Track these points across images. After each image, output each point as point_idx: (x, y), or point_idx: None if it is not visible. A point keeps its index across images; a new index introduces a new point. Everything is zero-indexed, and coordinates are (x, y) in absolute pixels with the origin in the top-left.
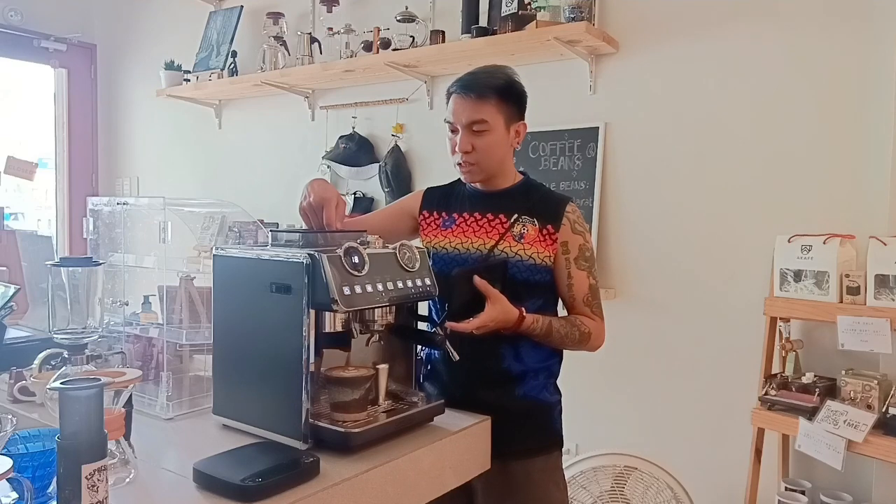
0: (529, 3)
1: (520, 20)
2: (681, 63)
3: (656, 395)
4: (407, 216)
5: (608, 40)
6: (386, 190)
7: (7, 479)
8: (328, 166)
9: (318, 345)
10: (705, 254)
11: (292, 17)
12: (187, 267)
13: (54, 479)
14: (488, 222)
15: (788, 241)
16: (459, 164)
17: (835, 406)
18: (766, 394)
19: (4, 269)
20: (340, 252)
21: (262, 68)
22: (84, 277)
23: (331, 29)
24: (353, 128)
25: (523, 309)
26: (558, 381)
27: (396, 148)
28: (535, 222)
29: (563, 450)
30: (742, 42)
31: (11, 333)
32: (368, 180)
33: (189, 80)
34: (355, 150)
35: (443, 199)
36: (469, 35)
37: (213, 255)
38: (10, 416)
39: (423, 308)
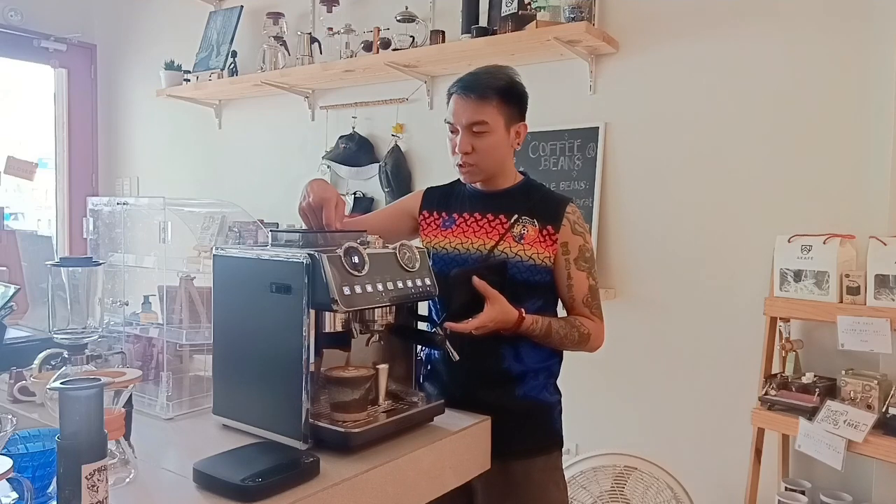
0: (529, 3)
1: (520, 20)
2: (681, 63)
3: (656, 395)
4: (407, 216)
5: (608, 40)
6: (386, 190)
7: (7, 479)
8: (328, 166)
9: (318, 345)
10: (705, 254)
11: (292, 17)
12: (187, 267)
13: (54, 479)
14: (488, 223)
15: (788, 241)
16: (459, 165)
17: (835, 406)
18: (766, 394)
19: (4, 269)
20: (340, 252)
21: (262, 68)
22: (84, 277)
23: (331, 29)
24: (353, 128)
25: (523, 310)
26: (558, 381)
27: (396, 148)
28: (536, 223)
29: (563, 450)
30: (742, 42)
31: (11, 333)
32: (368, 180)
33: (189, 80)
34: (355, 150)
35: (443, 200)
36: (469, 35)
37: (213, 255)
38: (10, 416)
39: (423, 308)
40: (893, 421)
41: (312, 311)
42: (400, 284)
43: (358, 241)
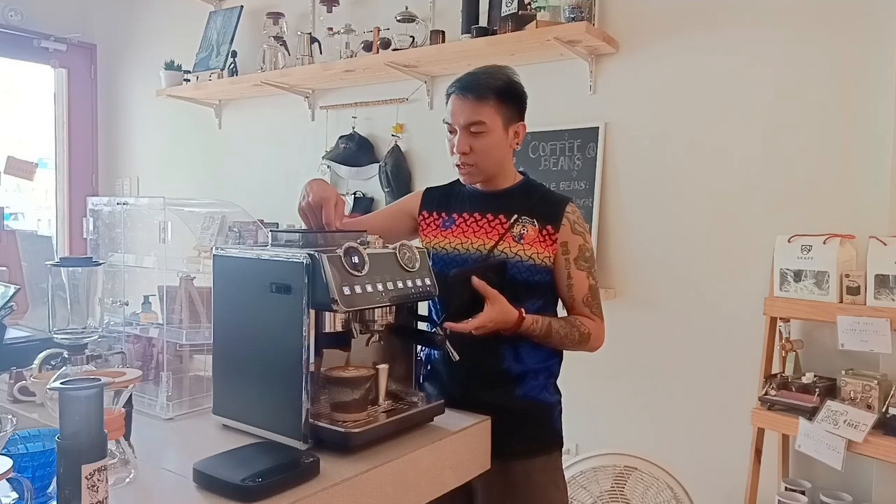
0: (529, 3)
1: (520, 20)
2: (681, 63)
3: (656, 395)
4: (407, 216)
5: (608, 40)
6: (386, 190)
7: (7, 479)
8: (328, 166)
9: (318, 345)
10: (705, 254)
11: (292, 17)
12: (187, 267)
13: (54, 479)
14: (488, 223)
15: (788, 241)
16: (458, 166)
17: (835, 406)
18: (766, 394)
19: (4, 269)
20: (340, 252)
21: (262, 68)
22: (84, 277)
23: (331, 29)
24: (353, 128)
25: (523, 310)
26: (558, 381)
27: (396, 148)
28: (535, 223)
29: (563, 450)
30: (742, 42)
31: (11, 333)
32: (368, 180)
33: (189, 80)
34: (355, 150)
35: (442, 200)
36: (469, 35)
37: (213, 255)
38: (10, 416)
39: (423, 308)
40: (893, 421)
41: (312, 311)
42: (400, 284)
43: (358, 241)
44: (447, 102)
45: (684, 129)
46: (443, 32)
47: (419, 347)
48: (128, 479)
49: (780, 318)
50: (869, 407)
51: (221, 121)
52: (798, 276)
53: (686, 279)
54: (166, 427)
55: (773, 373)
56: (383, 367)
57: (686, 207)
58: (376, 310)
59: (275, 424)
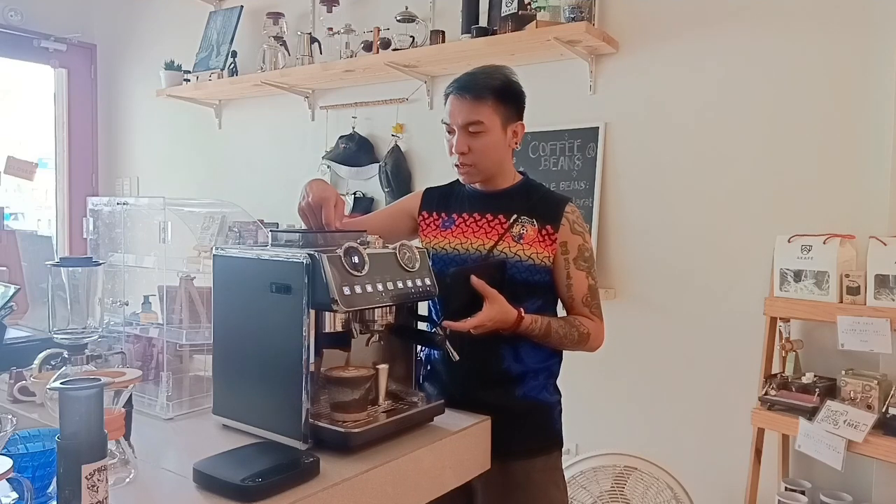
0: (529, 3)
1: (520, 20)
2: (681, 63)
3: (656, 396)
4: (406, 216)
5: (608, 40)
6: (386, 190)
7: (7, 479)
8: (328, 166)
9: (318, 345)
10: (705, 254)
11: (292, 17)
12: (187, 267)
13: (54, 479)
14: (488, 223)
15: (788, 241)
16: (457, 165)
17: (835, 406)
18: (766, 394)
19: (4, 269)
20: (340, 252)
21: (262, 68)
22: (84, 277)
23: (331, 29)
24: (353, 128)
25: (522, 309)
26: (558, 381)
27: (396, 148)
28: (535, 223)
29: (563, 450)
30: (742, 42)
31: (11, 333)
32: (368, 180)
33: (189, 80)
34: (355, 150)
35: (442, 200)
36: (469, 35)
37: (213, 255)
38: (10, 416)
39: (423, 308)
40: (893, 421)
41: (312, 311)
42: (400, 284)
43: (358, 241)
44: (446, 103)
45: (684, 129)
46: (443, 32)
47: (419, 347)
48: (128, 479)
49: (780, 318)
50: (869, 407)
51: (221, 121)
52: (798, 276)
53: (686, 279)
54: (166, 427)
55: (773, 373)
56: (383, 367)
57: (686, 207)
58: (376, 310)
59: (275, 424)
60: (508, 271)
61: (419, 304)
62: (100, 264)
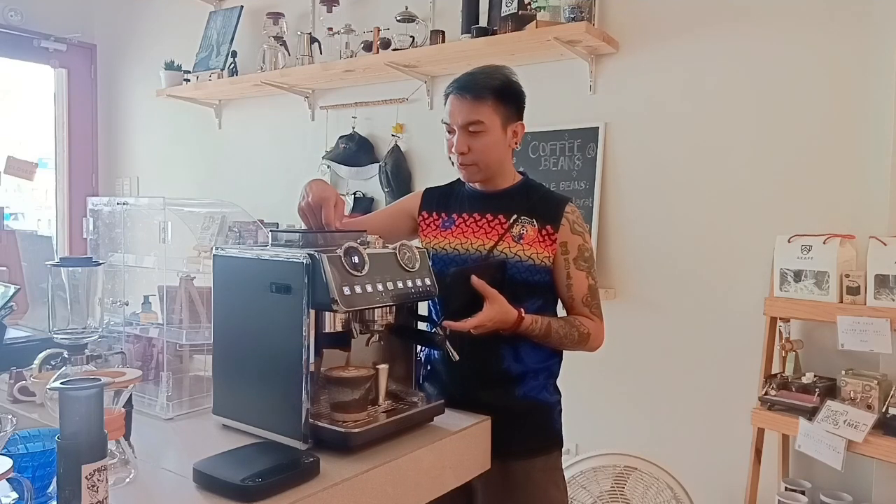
0: (529, 3)
1: (520, 20)
2: (681, 63)
3: (656, 396)
4: (406, 216)
5: (608, 40)
6: (386, 190)
7: (7, 479)
8: (328, 166)
9: (318, 345)
10: (705, 254)
11: (292, 17)
12: (187, 267)
13: (54, 479)
14: (487, 223)
15: (788, 241)
16: (458, 164)
17: (835, 406)
18: (766, 394)
19: (4, 269)
20: (340, 252)
21: (262, 68)
22: (84, 277)
23: (331, 29)
24: (353, 128)
25: (522, 310)
26: (558, 381)
27: (396, 148)
28: (535, 223)
29: (563, 450)
30: (742, 42)
31: (11, 333)
32: (368, 180)
33: (189, 80)
34: (355, 150)
35: (442, 200)
36: (469, 35)
37: (213, 255)
38: (10, 416)
39: (423, 308)
40: (893, 421)
41: (312, 311)
42: (400, 284)
43: (358, 241)
44: (446, 102)
45: (684, 128)
46: (443, 32)
47: (419, 347)
48: (128, 479)
49: (780, 318)
50: (869, 407)
51: (221, 121)
52: (798, 276)
53: (686, 279)
54: (166, 427)
55: (773, 373)
56: (383, 367)
57: (686, 207)
58: (376, 310)
59: (275, 424)
60: (508, 271)
61: (419, 304)
62: (100, 264)
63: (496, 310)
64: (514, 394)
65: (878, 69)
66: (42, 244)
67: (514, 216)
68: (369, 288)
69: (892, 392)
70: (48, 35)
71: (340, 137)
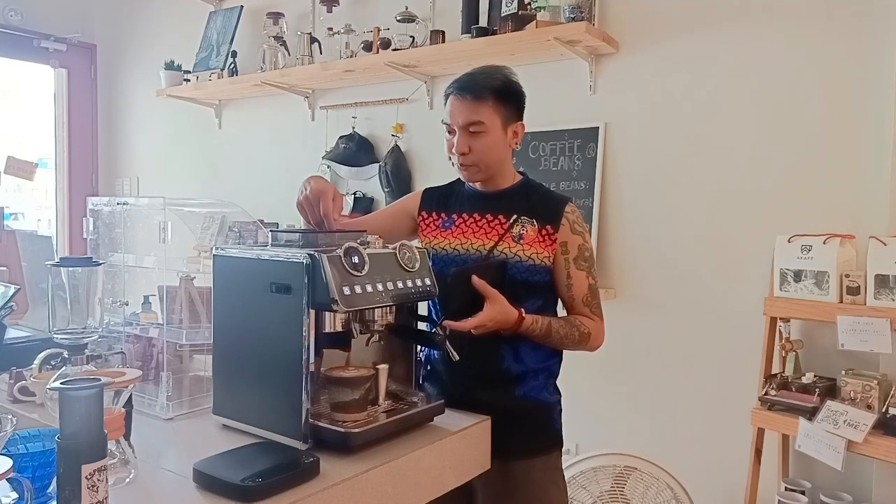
0: (529, 3)
1: (520, 20)
2: (681, 63)
3: (656, 396)
4: (406, 217)
5: (608, 40)
6: (386, 190)
7: (7, 479)
8: (328, 166)
9: (318, 345)
10: (705, 254)
11: (292, 17)
12: (187, 267)
13: (54, 479)
14: (487, 223)
15: (788, 241)
16: (458, 165)
17: (835, 406)
18: (766, 394)
19: (4, 269)
20: (340, 252)
21: (262, 68)
22: (84, 277)
23: (331, 29)
24: (353, 128)
25: (523, 310)
26: (558, 381)
27: (396, 148)
28: (535, 223)
29: (563, 450)
30: (742, 42)
31: (11, 333)
32: (368, 180)
33: (189, 80)
34: (355, 150)
35: (442, 200)
36: (469, 35)
37: (213, 255)
38: (10, 416)
39: (423, 308)
40: (893, 421)
41: (312, 311)
42: (400, 284)
43: (358, 241)
44: (446, 103)
45: (684, 128)
46: (443, 32)
47: (419, 347)
48: (128, 479)
49: (780, 318)
50: (869, 407)
51: (221, 121)
52: (798, 276)
53: (686, 279)
54: (166, 427)
55: (773, 373)
56: (383, 367)
57: (686, 207)
58: (376, 310)
59: (275, 424)
60: (508, 271)
61: (419, 304)
62: (100, 264)
63: (497, 310)
64: (514, 394)
65: (878, 69)
66: (42, 244)
67: (514, 216)
68: (369, 288)
69: (892, 392)
70: (48, 35)
71: (340, 137)
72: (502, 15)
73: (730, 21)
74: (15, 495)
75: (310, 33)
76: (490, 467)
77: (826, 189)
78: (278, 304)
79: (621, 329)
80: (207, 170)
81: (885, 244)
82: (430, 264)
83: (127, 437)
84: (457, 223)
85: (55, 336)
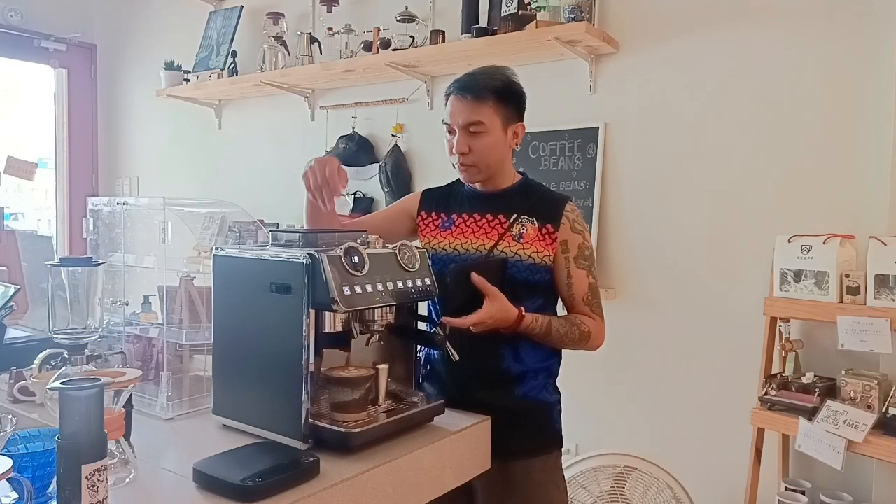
0: (529, 3)
1: (520, 20)
2: (681, 63)
3: (656, 396)
4: (406, 217)
5: (608, 40)
6: (386, 190)
7: (7, 479)
8: None
9: (318, 345)
10: (705, 254)
11: (292, 17)
12: (187, 267)
13: (54, 479)
14: (487, 223)
15: (788, 241)
16: (458, 165)
17: (835, 406)
18: (766, 394)
19: (4, 269)
20: (340, 252)
21: (262, 68)
22: (84, 277)
23: (331, 29)
24: (353, 128)
25: (523, 308)
26: (558, 381)
27: (396, 148)
28: (535, 222)
29: (563, 450)
30: (742, 42)
31: (11, 333)
32: (368, 180)
33: (189, 80)
34: (355, 150)
35: (441, 200)
36: (469, 35)
37: (213, 255)
38: (10, 416)
39: (423, 308)
40: (893, 421)
41: (312, 311)
42: (400, 284)
43: (358, 241)
44: (446, 103)
45: (684, 128)
46: (443, 32)
47: (419, 347)
48: (128, 479)
49: (780, 318)
50: (869, 407)
51: (221, 121)
52: (798, 276)
53: (686, 279)
54: (166, 427)
55: (773, 373)
56: (383, 367)
57: (686, 207)
58: (376, 310)
59: (275, 424)
60: (509, 271)
61: (419, 303)
62: (100, 264)
63: (496, 307)
64: (513, 394)
65: (878, 69)
66: (42, 244)
67: (514, 216)
68: (369, 288)
69: (892, 392)
70: (48, 35)
71: (340, 137)
72: (502, 15)
73: (730, 21)
74: (15, 495)
75: (310, 33)
76: (490, 467)
77: (826, 189)
78: (278, 304)
79: (621, 329)
80: (207, 170)
81: (885, 244)
82: (430, 264)
83: (127, 437)
84: (457, 223)
85: (55, 336)
